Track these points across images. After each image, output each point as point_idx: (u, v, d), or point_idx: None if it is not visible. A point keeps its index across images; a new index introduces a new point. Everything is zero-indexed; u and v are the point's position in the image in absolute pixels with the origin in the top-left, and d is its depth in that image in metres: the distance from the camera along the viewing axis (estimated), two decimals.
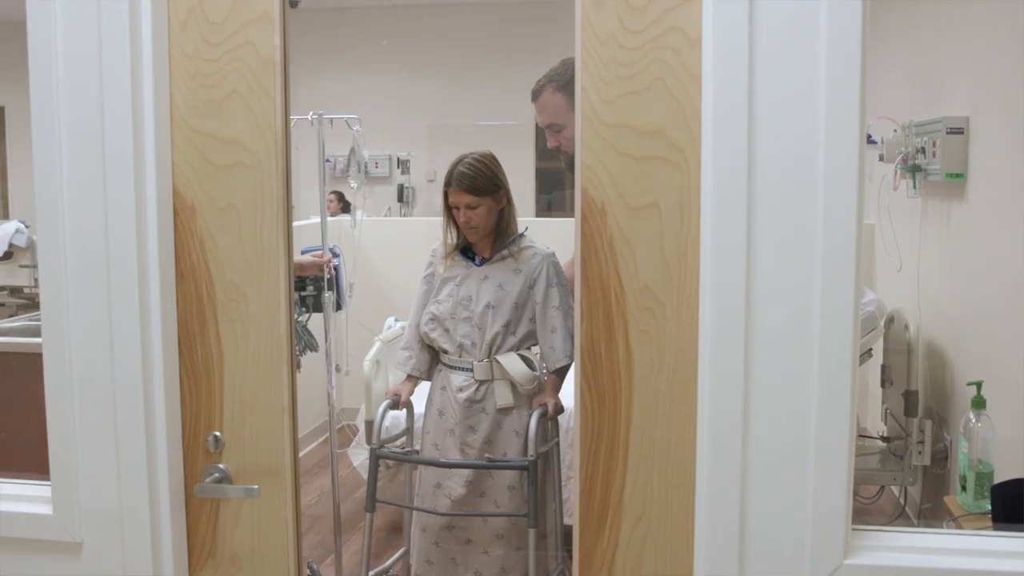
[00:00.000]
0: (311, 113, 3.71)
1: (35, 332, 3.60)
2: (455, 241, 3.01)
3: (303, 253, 3.52)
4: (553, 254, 3.00)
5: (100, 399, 1.65)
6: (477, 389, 2.96)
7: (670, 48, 1.49)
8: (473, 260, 3.00)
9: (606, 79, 1.52)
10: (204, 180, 1.67)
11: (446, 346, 3.00)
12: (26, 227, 7.45)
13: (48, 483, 1.71)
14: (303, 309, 3.57)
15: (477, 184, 2.89)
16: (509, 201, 2.97)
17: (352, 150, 4.00)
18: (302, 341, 3.53)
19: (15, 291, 7.12)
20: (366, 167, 3.97)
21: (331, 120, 3.89)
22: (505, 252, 2.96)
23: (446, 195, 2.96)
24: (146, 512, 1.67)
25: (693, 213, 1.49)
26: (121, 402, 1.65)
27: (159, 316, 1.64)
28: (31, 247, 6.35)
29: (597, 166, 1.54)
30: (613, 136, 1.53)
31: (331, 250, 3.71)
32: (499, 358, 2.94)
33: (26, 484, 1.79)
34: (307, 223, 5.13)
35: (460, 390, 2.97)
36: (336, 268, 3.59)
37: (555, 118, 2.73)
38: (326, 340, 3.69)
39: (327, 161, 10.15)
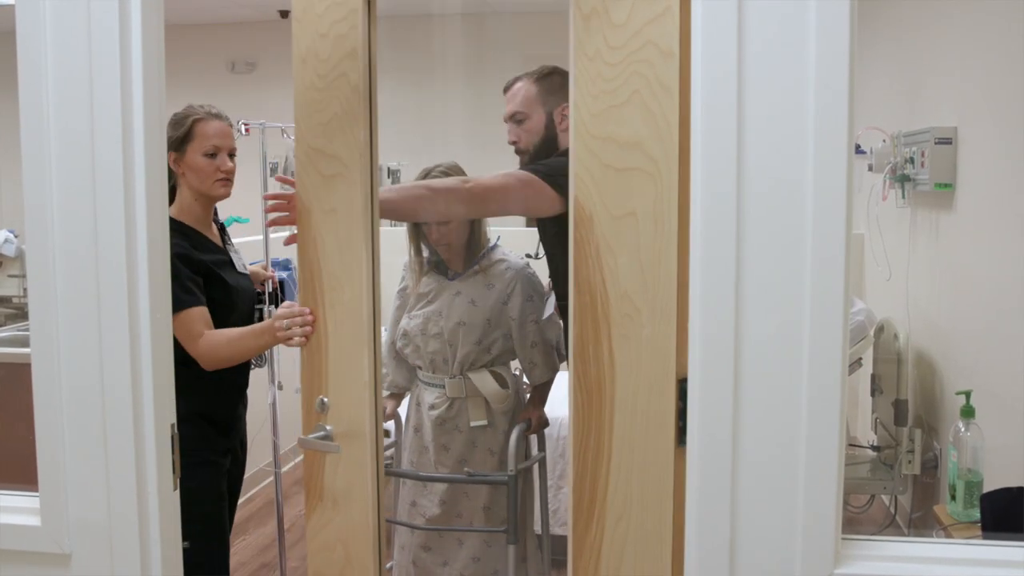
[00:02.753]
0: (239, 122, 3.37)
1: (24, 342, 3.60)
2: (425, 259, 2.93)
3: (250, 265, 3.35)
4: (527, 265, 2.91)
5: (89, 409, 1.65)
6: (449, 407, 2.89)
7: (646, 62, 1.52)
8: (446, 274, 2.92)
9: (593, 94, 1.58)
10: (317, 190, 1.96)
11: (418, 362, 2.95)
12: (15, 236, 7.42)
13: (36, 494, 1.70)
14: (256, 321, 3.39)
15: None
16: None
17: (286, 159, 3.88)
18: None
19: (4, 301, 7.09)
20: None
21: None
22: (477, 267, 2.87)
23: None
24: (135, 523, 1.66)
25: (667, 223, 1.52)
26: (110, 412, 1.64)
27: (149, 326, 1.64)
28: (20, 257, 6.33)
29: (586, 176, 1.59)
30: (599, 148, 1.58)
31: (281, 263, 3.62)
32: (471, 375, 2.86)
33: (14, 495, 1.78)
34: (285, 235, 5.10)
35: (432, 407, 2.91)
36: (282, 282, 3.39)
37: (521, 106, 2.62)
38: (267, 357, 3.59)
39: None
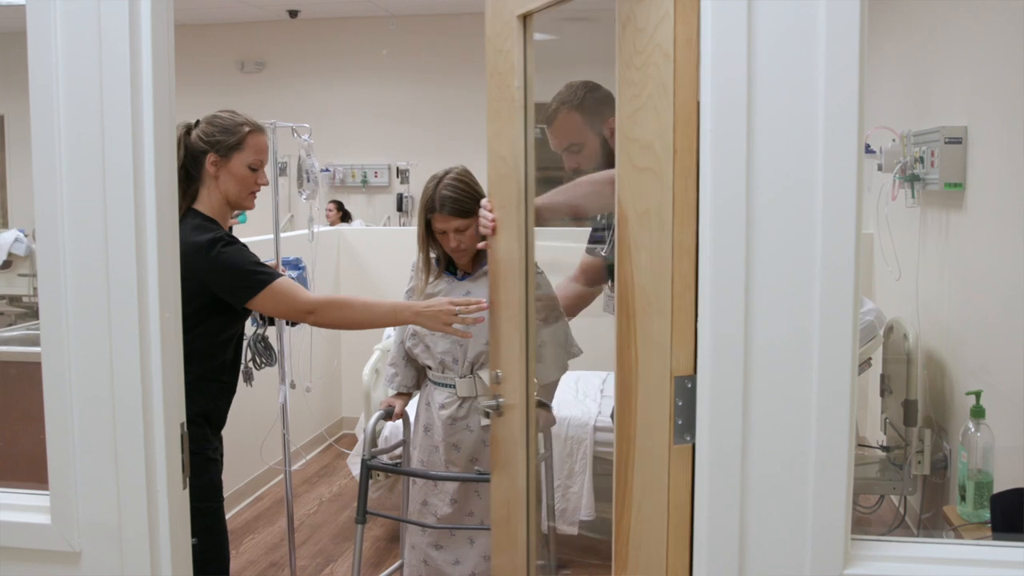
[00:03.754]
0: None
1: (34, 341, 3.60)
2: (434, 260, 2.93)
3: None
4: (535, 266, 2.92)
5: (99, 408, 1.65)
6: (460, 406, 2.90)
7: (655, 65, 1.53)
8: (455, 274, 2.93)
9: (627, 97, 1.63)
10: (496, 188, 2.25)
11: (428, 362, 2.95)
12: (25, 236, 7.45)
13: (47, 492, 1.71)
14: (260, 321, 3.41)
15: (465, 206, 2.78)
16: None
17: (300, 159, 3.93)
18: (258, 356, 3.40)
19: (14, 300, 7.12)
20: (315, 177, 3.91)
21: (288, 129, 3.81)
22: (487, 267, 2.83)
23: (429, 221, 2.85)
24: (144, 522, 1.66)
25: (666, 222, 1.53)
26: (120, 411, 1.64)
27: (158, 325, 1.64)
28: (30, 256, 6.35)
29: (624, 176, 1.66)
30: (631, 149, 1.63)
31: (292, 262, 3.64)
32: (481, 374, 2.87)
33: (24, 494, 1.79)
34: (296, 234, 5.12)
35: (442, 407, 2.92)
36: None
37: (573, 137, 2.68)
38: (277, 356, 3.60)
39: (325, 170, 10.20)
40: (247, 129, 2.55)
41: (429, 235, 2.88)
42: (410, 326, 2.93)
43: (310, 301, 2.56)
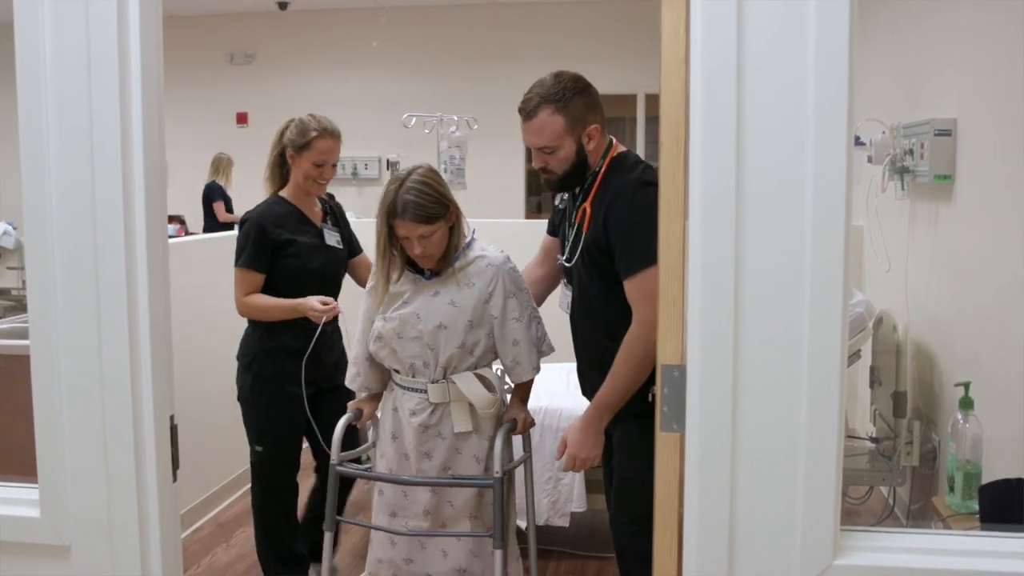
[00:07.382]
0: (406, 115, 3.94)
1: (23, 334, 3.59)
2: (396, 258, 2.73)
3: None
4: (507, 259, 2.74)
5: (88, 401, 1.65)
6: (432, 413, 2.71)
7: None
8: (422, 273, 2.73)
9: None
10: None
11: (395, 366, 2.78)
12: (14, 229, 7.42)
13: (36, 486, 1.71)
14: None
15: (429, 211, 2.58)
16: (457, 215, 2.69)
17: (447, 147, 4.16)
18: None
19: (3, 293, 7.09)
20: (457, 168, 4.10)
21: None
22: (455, 266, 2.70)
23: (391, 226, 2.64)
24: (134, 515, 1.66)
25: None
26: (109, 404, 1.64)
27: (147, 317, 1.64)
28: (19, 249, 6.33)
29: None
30: None
31: None
32: (455, 379, 2.69)
33: (14, 487, 1.78)
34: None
35: (413, 414, 2.73)
36: None
37: (550, 141, 2.53)
38: None
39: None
40: (315, 134, 3.23)
41: (391, 240, 2.69)
42: (374, 328, 2.78)
43: (238, 300, 3.25)
